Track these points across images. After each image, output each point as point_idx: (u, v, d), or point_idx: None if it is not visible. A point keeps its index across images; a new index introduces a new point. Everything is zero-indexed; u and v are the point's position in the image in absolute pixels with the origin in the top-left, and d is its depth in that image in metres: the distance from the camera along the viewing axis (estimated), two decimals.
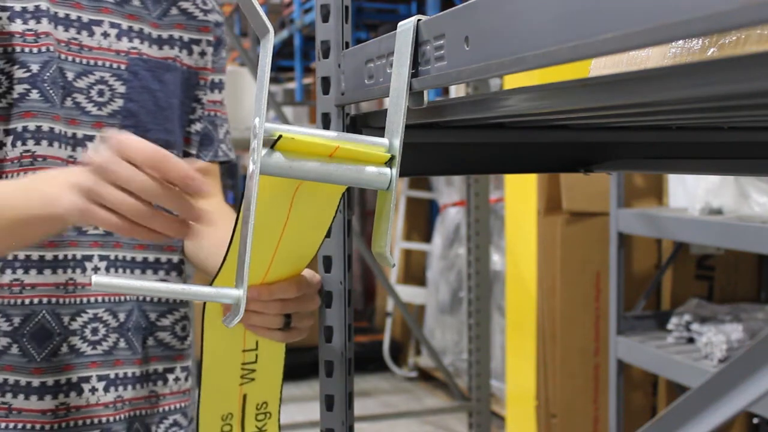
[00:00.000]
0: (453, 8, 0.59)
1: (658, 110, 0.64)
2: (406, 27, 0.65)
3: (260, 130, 0.64)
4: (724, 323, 2.14)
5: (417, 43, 0.64)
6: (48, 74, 0.96)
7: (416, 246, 4.47)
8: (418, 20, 0.64)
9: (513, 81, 2.47)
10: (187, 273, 1.14)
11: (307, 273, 0.82)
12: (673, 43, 0.60)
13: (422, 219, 4.62)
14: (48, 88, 0.96)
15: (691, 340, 2.24)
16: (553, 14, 0.46)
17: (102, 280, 0.68)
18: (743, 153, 0.95)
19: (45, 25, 0.96)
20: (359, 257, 4.45)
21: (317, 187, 0.69)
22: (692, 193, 2.19)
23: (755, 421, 2.53)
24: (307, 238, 0.76)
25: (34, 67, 0.96)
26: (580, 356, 2.68)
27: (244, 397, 0.83)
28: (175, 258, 1.08)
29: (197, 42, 1.09)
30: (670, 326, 2.29)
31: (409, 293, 4.31)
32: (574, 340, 2.67)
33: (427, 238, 4.51)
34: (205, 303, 0.76)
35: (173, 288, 0.70)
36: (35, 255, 0.98)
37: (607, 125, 0.86)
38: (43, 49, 0.96)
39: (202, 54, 1.10)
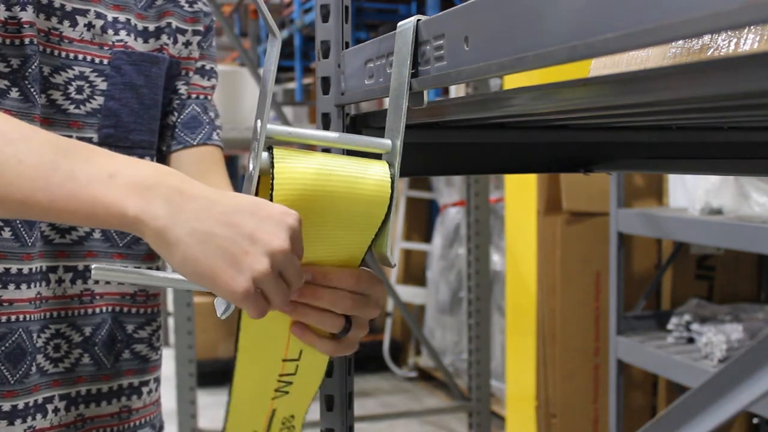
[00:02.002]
0: (453, 8, 0.59)
1: (658, 110, 0.64)
2: (405, 27, 0.65)
3: (262, 133, 0.63)
4: (724, 323, 2.14)
5: (417, 43, 0.64)
6: (30, 71, 0.88)
7: (416, 246, 4.47)
8: (418, 20, 0.64)
9: (513, 81, 2.47)
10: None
11: (369, 273, 0.72)
12: (673, 43, 0.60)
13: (422, 219, 4.62)
14: (29, 86, 0.89)
15: (691, 340, 2.24)
16: (553, 14, 0.46)
17: (102, 268, 0.65)
18: (743, 153, 0.95)
19: (29, 14, 0.88)
20: None
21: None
22: (692, 193, 2.19)
23: (755, 421, 2.53)
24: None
25: (15, 62, 0.88)
26: (580, 356, 2.68)
27: (273, 411, 0.75)
28: (154, 267, 1.03)
29: (183, 32, 1.03)
30: (670, 326, 2.29)
31: (409, 293, 4.31)
32: (574, 340, 2.67)
33: (427, 238, 4.51)
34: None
35: (172, 277, 0.65)
36: (14, 268, 0.89)
37: (607, 125, 0.86)
38: (26, 41, 0.88)
39: (187, 44, 1.04)
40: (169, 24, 1.02)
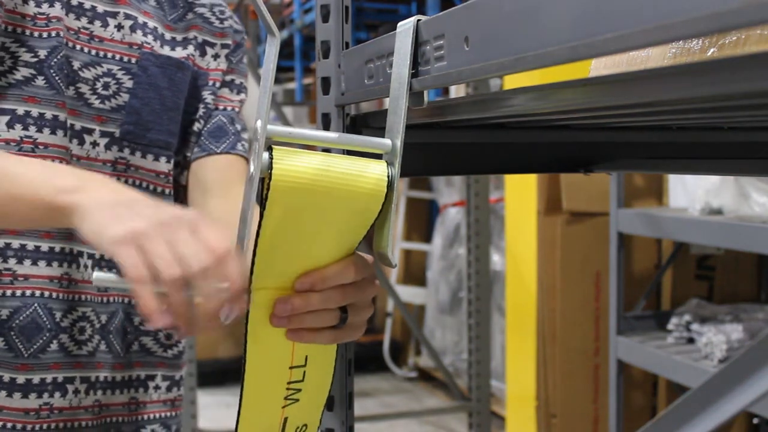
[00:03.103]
0: (453, 8, 0.59)
1: (658, 110, 0.64)
2: (405, 27, 0.65)
3: (262, 134, 0.63)
4: (724, 323, 2.14)
5: (417, 44, 0.64)
6: (55, 60, 0.93)
7: (416, 246, 4.47)
8: (418, 20, 0.64)
9: (513, 81, 2.47)
10: None
11: (357, 258, 0.71)
12: (673, 43, 0.60)
13: (422, 219, 4.62)
14: (54, 74, 0.93)
15: (691, 340, 2.24)
16: (553, 14, 0.46)
17: (101, 275, 0.66)
18: (743, 153, 0.95)
19: (57, 10, 0.93)
20: None
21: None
22: (692, 193, 2.19)
23: (755, 421, 2.53)
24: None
25: (42, 53, 0.93)
26: (580, 356, 2.68)
27: (285, 420, 0.74)
28: None
29: (212, 45, 1.07)
30: (670, 326, 2.29)
31: (409, 293, 4.30)
32: (574, 340, 2.67)
33: (427, 238, 4.51)
34: (247, 315, 0.68)
35: None
36: (30, 245, 0.93)
37: (607, 125, 0.86)
38: (53, 33, 0.93)
39: (215, 57, 1.08)
40: (195, 37, 1.06)
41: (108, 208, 0.70)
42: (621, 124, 0.84)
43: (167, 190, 1.03)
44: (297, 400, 0.73)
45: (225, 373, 4.05)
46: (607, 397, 2.46)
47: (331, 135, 0.67)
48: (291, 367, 0.71)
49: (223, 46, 1.08)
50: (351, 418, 0.87)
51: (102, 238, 0.67)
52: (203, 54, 1.07)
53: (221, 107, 1.08)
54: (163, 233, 0.65)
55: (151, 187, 1.01)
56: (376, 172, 0.66)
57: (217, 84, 1.08)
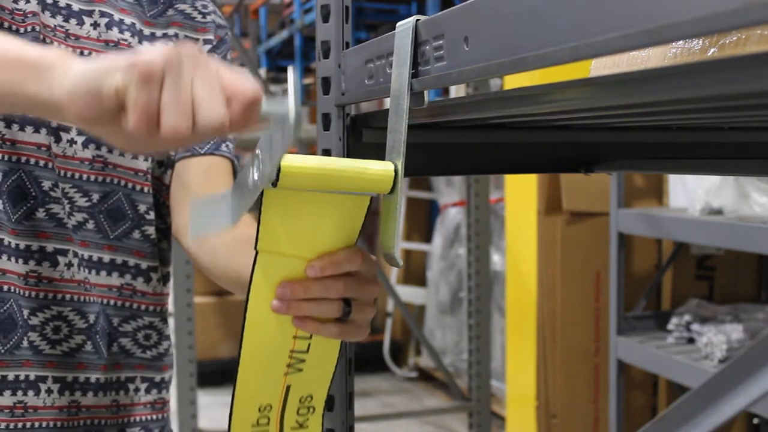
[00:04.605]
0: (453, 8, 0.59)
1: (658, 110, 0.64)
2: (405, 27, 0.65)
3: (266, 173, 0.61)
4: (725, 323, 2.14)
5: (416, 43, 0.64)
6: None
7: (416, 246, 4.47)
8: (417, 20, 0.64)
9: (513, 81, 2.47)
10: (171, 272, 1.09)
11: (357, 251, 0.70)
12: (673, 43, 0.60)
13: (422, 219, 4.62)
14: None
15: (691, 341, 2.24)
16: (554, 15, 0.46)
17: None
18: (743, 153, 0.95)
19: (33, 6, 0.93)
20: None
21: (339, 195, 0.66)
22: (692, 194, 2.19)
23: (755, 421, 2.53)
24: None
25: None
26: (580, 356, 2.68)
27: (288, 388, 0.73)
28: (144, 264, 1.02)
29: (194, 41, 1.04)
30: (670, 326, 2.29)
31: (409, 293, 4.30)
32: (574, 340, 2.67)
33: (427, 238, 4.51)
34: (252, 271, 0.67)
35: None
36: (6, 240, 0.92)
37: (607, 125, 0.86)
38: (29, 29, 0.92)
39: None
40: (176, 34, 1.03)
41: (93, 62, 0.60)
42: (621, 124, 0.84)
43: (146, 188, 1.02)
44: (301, 370, 0.72)
45: (225, 373, 4.05)
46: (607, 397, 2.46)
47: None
48: (295, 337, 0.70)
49: (206, 41, 1.06)
50: (351, 418, 0.87)
51: (89, 82, 0.57)
52: None
53: None
54: (168, 65, 0.55)
55: (130, 185, 1.00)
56: (381, 164, 0.67)
57: None
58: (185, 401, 2.76)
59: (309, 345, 0.71)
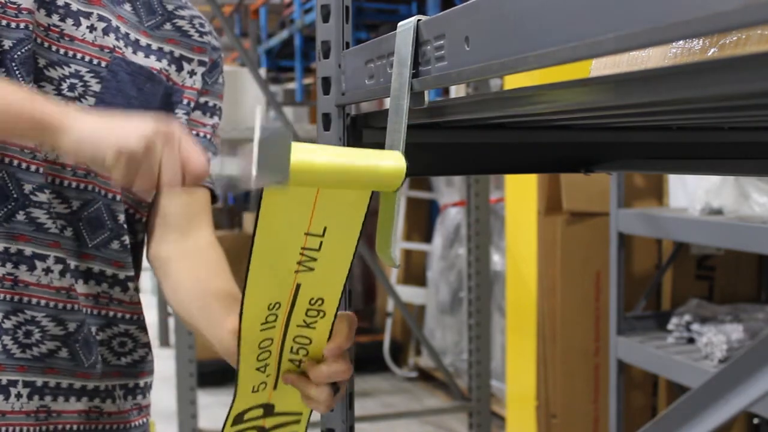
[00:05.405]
0: (453, 8, 0.59)
1: (658, 110, 0.64)
2: (406, 27, 0.65)
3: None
4: (725, 323, 2.14)
5: (417, 44, 0.64)
6: (19, 54, 0.90)
7: (416, 246, 4.47)
8: (418, 20, 0.64)
9: (513, 81, 2.47)
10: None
11: (348, 314, 0.79)
12: (673, 44, 0.60)
13: (422, 219, 4.62)
14: (16, 68, 0.90)
15: (691, 341, 2.24)
16: (554, 15, 0.46)
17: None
18: (743, 153, 0.95)
19: (29, 2, 0.91)
20: (359, 257, 4.45)
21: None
22: (692, 193, 2.19)
23: (755, 421, 2.53)
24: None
25: (7, 43, 0.90)
26: (580, 356, 2.68)
27: (298, 286, 0.73)
28: (122, 274, 1.01)
29: (189, 60, 1.03)
30: (670, 326, 2.29)
31: (409, 293, 4.30)
32: (574, 340, 2.67)
33: (428, 238, 4.51)
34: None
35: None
36: None
37: (607, 125, 0.86)
38: (21, 25, 0.90)
39: (191, 73, 1.03)
40: (172, 51, 1.02)
41: (92, 123, 0.78)
42: (621, 124, 0.84)
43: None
44: (312, 269, 0.72)
45: (225, 373, 4.05)
46: (607, 397, 2.46)
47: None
48: (307, 234, 0.69)
49: (200, 63, 1.05)
50: (351, 418, 0.87)
51: (88, 147, 0.76)
52: (180, 69, 1.03)
53: (194, 132, 1.04)
54: (146, 150, 0.74)
55: (110, 195, 0.98)
56: (391, 159, 0.67)
57: (192, 104, 1.04)
58: (185, 401, 2.76)
59: (321, 243, 0.70)
